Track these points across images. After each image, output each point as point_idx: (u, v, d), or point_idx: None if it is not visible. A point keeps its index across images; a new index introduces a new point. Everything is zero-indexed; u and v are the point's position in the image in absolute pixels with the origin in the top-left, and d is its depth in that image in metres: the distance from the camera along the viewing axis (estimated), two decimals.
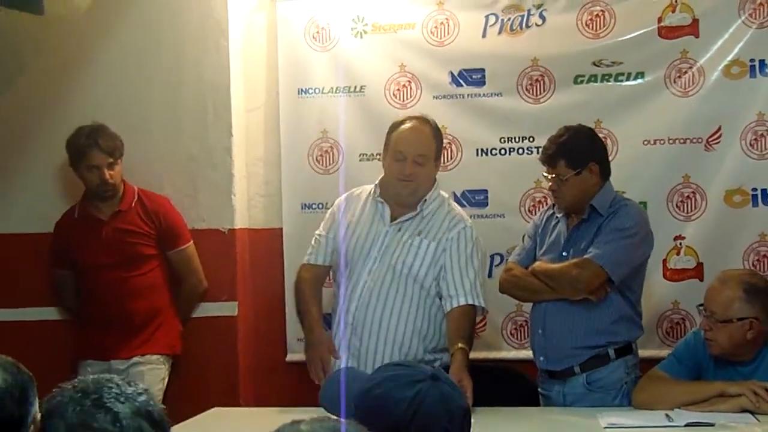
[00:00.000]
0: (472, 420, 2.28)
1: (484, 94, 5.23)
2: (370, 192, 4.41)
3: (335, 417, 1.93)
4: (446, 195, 4.43)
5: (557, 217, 4.35)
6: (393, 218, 4.31)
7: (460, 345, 4.04)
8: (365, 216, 4.37)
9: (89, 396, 1.92)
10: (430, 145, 4.30)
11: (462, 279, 4.22)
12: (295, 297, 4.49)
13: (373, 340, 4.22)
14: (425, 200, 4.29)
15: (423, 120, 4.36)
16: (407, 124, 4.33)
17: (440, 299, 4.25)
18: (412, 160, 4.23)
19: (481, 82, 5.23)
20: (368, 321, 4.24)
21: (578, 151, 4.22)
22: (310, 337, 4.28)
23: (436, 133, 4.36)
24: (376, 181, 4.39)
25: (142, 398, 1.94)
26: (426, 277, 4.24)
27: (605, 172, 4.28)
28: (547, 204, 4.73)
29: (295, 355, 5.09)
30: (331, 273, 4.50)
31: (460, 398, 2.21)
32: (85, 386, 1.96)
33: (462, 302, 4.19)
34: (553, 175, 4.22)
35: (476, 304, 4.21)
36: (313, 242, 4.48)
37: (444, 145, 5.11)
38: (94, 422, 1.88)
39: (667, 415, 3.76)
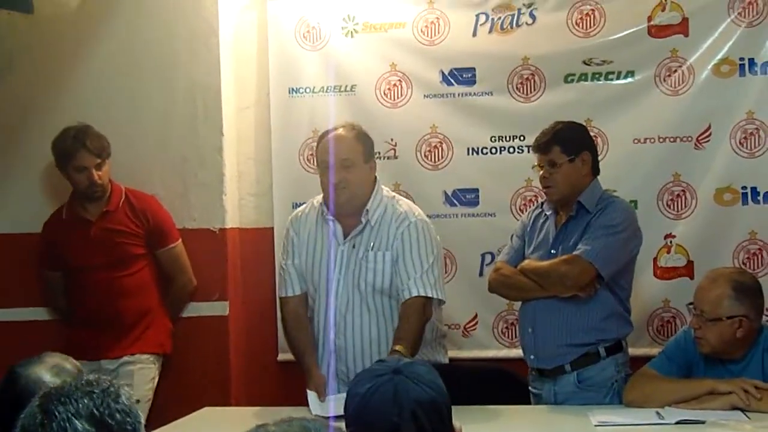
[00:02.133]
0: (456, 416, 2.26)
1: (474, 93, 5.24)
2: (317, 210, 4.30)
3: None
4: (390, 195, 4.31)
5: (545, 215, 4.35)
6: (345, 234, 4.22)
7: (397, 347, 3.95)
8: (319, 237, 4.28)
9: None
10: (354, 148, 4.18)
11: (409, 270, 4.12)
12: (285, 336, 4.44)
13: (359, 364, 4.15)
14: (367, 210, 4.19)
15: (347, 127, 4.24)
16: (328, 134, 4.23)
17: None
18: (339, 166, 4.12)
19: (472, 81, 5.24)
20: (349, 345, 4.19)
21: (573, 139, 4.25)
22: (309, 378, 4.16)
23: (362, 136, 4.23)
24: (320, 198, 4.30)
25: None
26: (392, 288, 4.17)
27: (595, 167, 4.29)
28: (537, 202, 4.72)
29: (286, 354, 5.06)
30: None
31: (420, 391, 2.18)
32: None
33: (413, 293, 4.09)
34: (546, 162, 4.22)
35: (425, 294, 4.11)
36: (281, 273, 4.41)
37: (435, 144, 5.14)
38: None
39: (657, 413, 3.77)
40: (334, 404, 3.96)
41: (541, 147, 4.27)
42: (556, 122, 4.33)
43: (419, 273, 4.12)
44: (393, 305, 4.19)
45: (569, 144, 4.22)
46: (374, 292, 4.19)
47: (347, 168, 4.13)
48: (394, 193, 4.37)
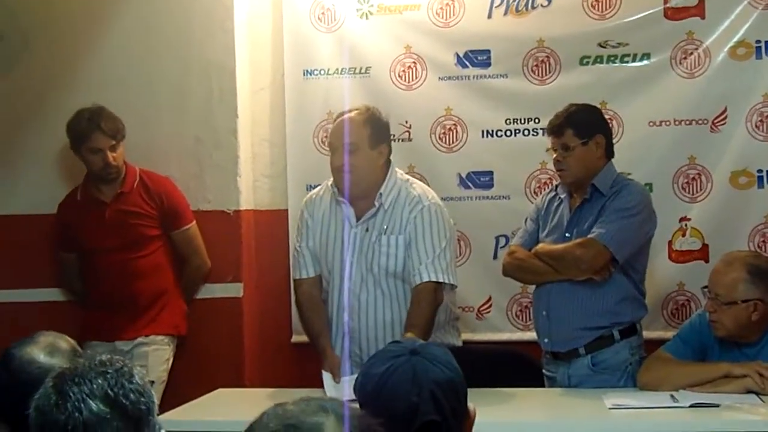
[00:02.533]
0: (470, 398, 2.27)
1: (489, 76, 5.22)
2: (330, 193, 4.31)
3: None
4: (405, 178, 4.30)
5: (560, 198, 4.35)
6: (358, 218, 4.22)
7: (409, 334, 3.93)
8: (331, 220, 4.29)
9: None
10: (359, 132, 4.14)
11: (421, 255, 4.12)
12: (300, 317, 4.48)
13: (372, 346, 4.13)
14: (380, 193, 4.18)
15: (360, 110, 4.22)
16: (340, 117, 4.23)
17: None
18: (342, 150, 4.12)
19: (487, 64, 5.22)
20: (363, 327, 4.21)
21: (586, 122, 4.24)
22: (324, 359, 4.18)
23: (373, 120, 4.20)
24: (330, 181, 4.32)
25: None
26: (404, 272, 4.17)
27: (609, 149, 4.28)
28: (552, 186, 4.71)
29: (300, 336, 5.07)
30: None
31: (439, 372, 2.18)
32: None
33: (424, 278, 4.10)
34: (560, 145, 4.22)
35: (437, 279, 4.11)
36: (295, 255, 4.43)
37: (449, 126, 5.11)
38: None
39: (672, 396, 3.77)
40: (349, 386, 3.95)
41: (554, 130, 4.26)
42: (569, 105, 4.32)
43: (431, 258, 4.12)
44: (406, 289, 4.19)
45: (582, 127, 4.21)
46: (387, 275, 4.19)
47: (351, 153, 4.12)
48: (408, 177, 4.37)
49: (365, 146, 4.16)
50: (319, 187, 4.43)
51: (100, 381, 1.96)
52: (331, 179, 4.30)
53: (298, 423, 1.64)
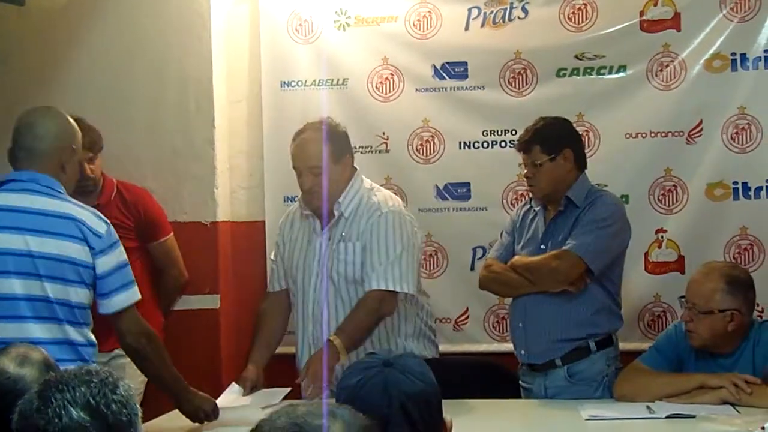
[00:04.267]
0: (447, 409, 2.26)
1: (466, 87, 5.24)
2: (298, 205, 4.36)
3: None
4: (369, 186, 4.29)
5: (534, 210, 4.37)
6: (323, 227, 4.23)
7: (331, 337, 3.98)
8: (301, 232, 4.33)
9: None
10: (320, 151, 4.13)
11: (374, 262, 4.11)
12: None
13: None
14: (339, 202, 4.18)
15: (315, 127, 4.19)
16: (298, 137, 4.21)
17: None
18: (308, 173, 4.13)
19: (464, 75, 5.24)
20: (325, 336, 4.11)
21: (553, 137, 4.25)
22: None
23: (331, 135, 4.17)
24: (299, 196, 4.33)
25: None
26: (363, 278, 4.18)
27: (580, 161, 4.30)
28: (527, 198, 4.72)
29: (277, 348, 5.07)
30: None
31: (410, 383, 2.18)
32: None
33: (373, 286, 4.09)
34: (529, 162, 4.24)
35: (386, 287, 4.08)
36: (269, 269, 4.47)
37: (426, 138, 5.12)
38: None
39: (648, 407, 3.78)
40: (254, 399, 4.04)
41: (522, 147, 4.30)
42: (537, 119, 4.34)
43: (383, 266, 4.10)
44: None
45: (549, 143, 4.23)
46: (347, 282, 4.19)
47: (317, 175, 4.12)
48: (373, 185, 4.35)
49: (330, 163, 4.14)
50: (295, 203, 4.46)
51: (83, 389, 1.96)
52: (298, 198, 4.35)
53: (304, 424, 1.66)
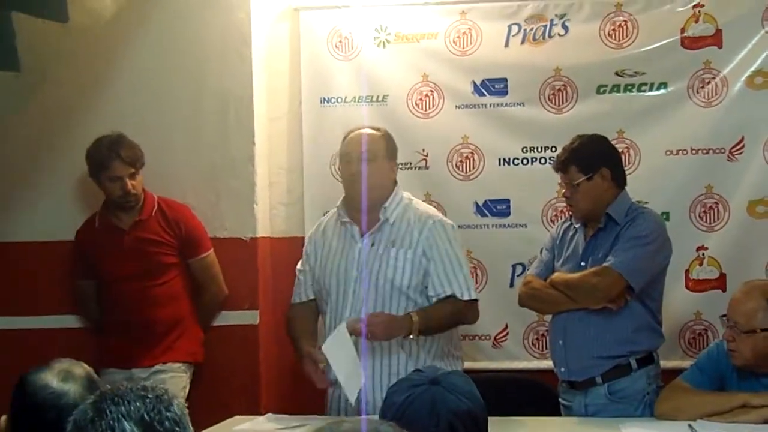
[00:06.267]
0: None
1: (506, 104, 5.24)
2: (335, 214, 4.36)
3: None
4: (410, 199, 4.33)
5: (574, 227, 4.35)
6: (363, 233, 4.23)
7: (411, 313, 4.04)
8: (336, 240, 4.32)
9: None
10: (377, 142, 4.22)
11: (447, 272, 4.16)
12: (287, 332, 4.47)
13: (368, 363, 4.11)
14: (385, 207, 4.20)
15: (372, 127, 4.32)
16: (354, 132, 4.29)
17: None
18: (358, 158, 4.16)
19: (504, 92, 5.23)
20: (360, 340, 4.06)
21: (589, 157, 4.24)
22: (299, 353, 4.23)
23: (388, 136, 4.31)
24: (338, 203, 4.35)
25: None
26: (410, 287, 4.17)
27: (619, 178, 4.28)
28: (567, 215, 4.71)
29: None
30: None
31: (458, 402, 2.18)
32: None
33: (457, 295, 4.15)
34: (567, 182, 4.24)
35: (468, 297, 4.16)
36: (296, 280, 4.47)
37: (466, 154, 5.13)
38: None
39: (690, 426, 3.74)
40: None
41: (559, 167, 4.30)
42: (574, 138, 4.33)
43: (458, 276, 4.17)
44: (410, 306, 4.17)
45: (586, 162, 4.22)
46: (392, 289, 4.18)
47: (369, 161, 4.16)
48: (412, 197, 4.37)
49: (382, 156, 4.21)
50: (324, 216, 4.50)
51: (138, 404, 1.97)
52: (333, 211, 4.36)
53: None
